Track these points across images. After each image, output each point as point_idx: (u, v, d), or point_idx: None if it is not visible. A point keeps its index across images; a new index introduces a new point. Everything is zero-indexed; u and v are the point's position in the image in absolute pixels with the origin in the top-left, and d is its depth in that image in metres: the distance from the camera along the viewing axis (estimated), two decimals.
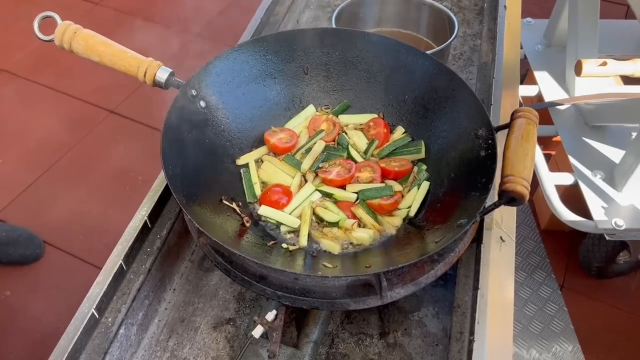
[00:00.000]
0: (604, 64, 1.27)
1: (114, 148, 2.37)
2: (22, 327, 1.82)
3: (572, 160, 1.75)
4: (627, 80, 1.80)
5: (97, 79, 2.59)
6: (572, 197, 1.71)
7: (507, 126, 0.81)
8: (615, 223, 1.58)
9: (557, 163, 1.94)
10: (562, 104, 1.87)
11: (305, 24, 1.47)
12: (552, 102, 1.87)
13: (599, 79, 1.90)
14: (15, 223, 2.07)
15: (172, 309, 0.96)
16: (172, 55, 2.75)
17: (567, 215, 1.64)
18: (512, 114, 0.80)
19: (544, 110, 1.90)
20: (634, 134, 1.75)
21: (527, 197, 0.71)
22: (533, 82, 2.00)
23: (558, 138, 1.82)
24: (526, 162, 0.73)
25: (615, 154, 1.73)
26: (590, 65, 1.28)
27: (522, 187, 0.70)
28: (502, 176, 0.73)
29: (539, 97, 1.99)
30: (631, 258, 1.81)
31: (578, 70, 1.30)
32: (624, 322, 1.80)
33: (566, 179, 1.72)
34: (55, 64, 2.68)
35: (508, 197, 0.72)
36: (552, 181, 1.68)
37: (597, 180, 1.69)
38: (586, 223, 1.62)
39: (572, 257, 1.94)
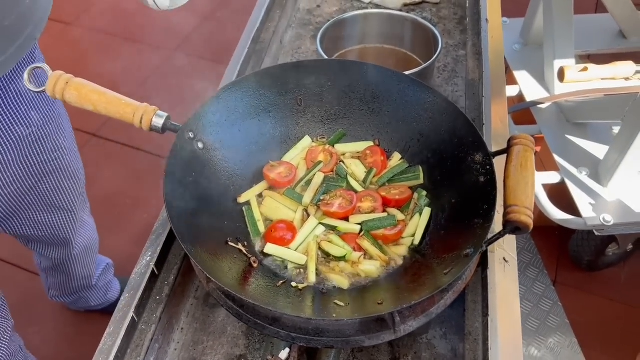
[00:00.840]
0: (585, 69, 1.30)
1: (100, 172, 2.35)
2: None
3: (557, 158, 1.78)
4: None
5: None
6: (560, 194, 1.74)
7: (504, 152, 0.83)
8: (603, 219, 1.62)
9: (542, 162, 1.97)
10: (543, 103, 1.90)
11: (288, 44, 1.47)
12: (533, 101, 1.90)
13: None
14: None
15: (181, 349, 0.96)
16: (152, 72, 2.73)
17: (557, 214, 1.67)
18: (509, 141, 0.82)
19: (526, 110, 1.93)
20: (616, 130, 1.79)
21: (532, 227, 0.73)
22: (513, 81, 2.03)
23: (542, 136, 1.86)
24: (527, 191, 0.75)
25: (599, 150, 1.76)
26: (572, 71, 1.31)
27: (526, 217, 0.72)
28: (506, 206, 0.75)
29: (520, 96, 2.02)
30: (620, 250, 1.85)
31: (561, 77, 1.32)
32: (617, 313, 1.84)
33: (553, 177, 1.75)
34: None
35: (513, 227, 0.73)
36: (539, 181, 1.71)
37: (583, 177, 1.72)
38: (575, 221, 1.65)
39: (563, 252, 1.98)
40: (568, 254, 1.96)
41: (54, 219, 1.41)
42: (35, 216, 1.36)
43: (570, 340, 1.77)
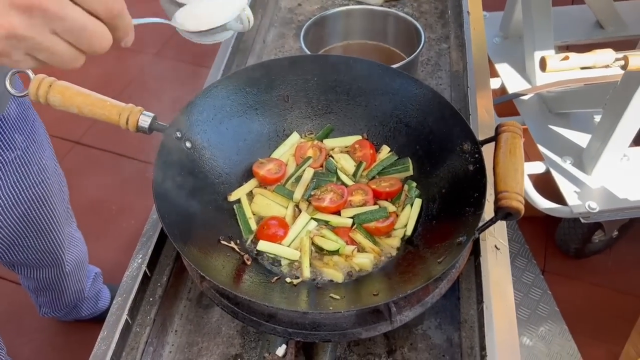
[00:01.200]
0: (566, 58, 1.32)
1: (84, 180, 2.32)
2: None
3: (541, 148, 1.80)
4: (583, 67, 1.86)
5: (57, 110, 2.52)
6: (545, 184, 1.76)
7: (492, 139, 0.84)
8: (588, 206, 1.64)
9: (527, 152, 1.99)
10: (525, 94, 1.93)
11: (271, 43, 1.47)
12: (515, 93, 1.93)
13: None
14: None
15: (176, 351, 0.95)
16: (133, 78, 2.71)
17: (543, 204, 1.69)
18: (497, 128, 0.82)
19: (509, 102, 1.95)
20: (597, 118, 1.81)
21: (523, 211, 0.73)
22: (495, 74, 2.05)
23: (525, 127, 1.88)
24: (517, 176, 0.75)
25: (581, 139, 1.79)
26: (553, 61, 1.32)
27: (518, 202, 0.73)
28: (496, 192, 0.75)
29: (502, 89, 2.04)
30: (606, 236, 1.88)
31: (542, 66, 1.34)
32: (605, 298, 1.87)
33: (538, 167, 1.77)
34: None
35: (504, 213, 0.74)
36: (525, 171, 1.73)
37: (567, 165, 1.75)
38: (562, 209, 1.67)
39: (550, 241, 2.00)
40: (555, 243, 1.98)
41: (44, 242, 1.39)
42: (25, 242, 1.33)
43: (561, 328, 1.79)
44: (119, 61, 2.80)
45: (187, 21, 0.78)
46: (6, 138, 1.12)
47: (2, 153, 1.12)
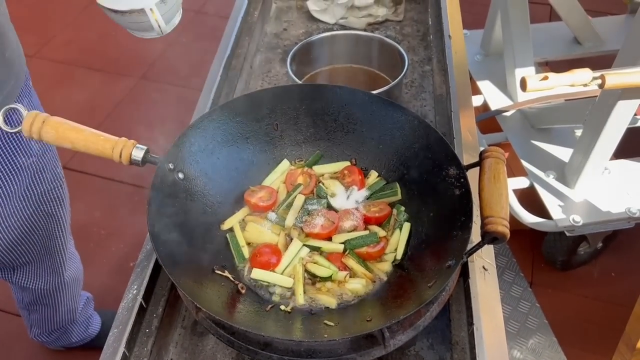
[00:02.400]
0: (546, 78, 1.36)
1: (72, 204, 2.30)
2: None
3: (524, 163, 1.84)
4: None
5: None
6: (529, 198, 1.80)
7: (477, 164, 0.86)
8: (573, 220, 1.68)
9: (510, 168, 2.03)
10: (507, 111, 1.97)
11: (258, 68, 1.49)
12: (498, 110, 1.97)
13: None
14: None
15: None
16: (119, 101, 2.71)
17: (528, 218, 1.73)
18: (481, 154, 0.85)
19: (491, 118, 2.00)
20: (578, 132, 1.86)
21: (509, 236, 0.76)
22: (477, 91, 2.09)
23: (508, 142, 1.92)
24: (502, 201, 0.78)
25: (563, 153, 1.83)
26: (533, 81, 1.36)
27: (503, 227, 0.75)
28: (483, 217, 0.78)
29: (485, 105, 2.08)
30: (590, 248, 1.92)
31: (523, 86, 1.38)
32: (593, 309, 1.90)
33: (522, 182, 1.81)
34: None
35: (490, 238, 0.76)
36: (509, 187, 1.77)
37: (551, 180, 1.79)
38: (547, 223, 1.71)
39: (537, 254, 2.03)
40: (542, 256, 2.01)
41: (50, 246, 1.42)
42: (32, 243, 1.36)
43: (550, 340, 1.81)
44: (104, 85, 2.81)
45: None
46: (23, 144, 1.16)
47: (19, 158, 1.16)
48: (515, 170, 1.88)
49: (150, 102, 2.69)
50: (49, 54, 3.02)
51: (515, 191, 1.80)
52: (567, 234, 1.71)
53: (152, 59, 2.95)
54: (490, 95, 2.06)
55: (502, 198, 0.78)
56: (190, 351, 0.98)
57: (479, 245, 0.78)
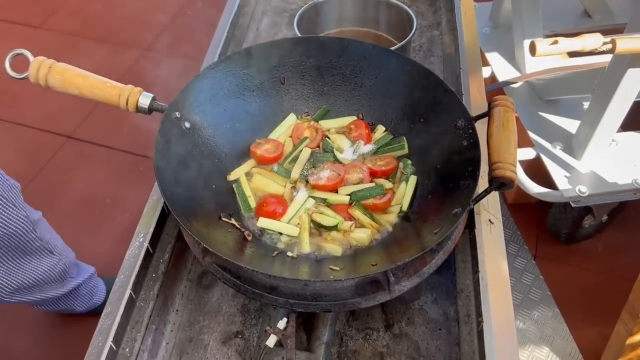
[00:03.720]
0: (556, 42, 1.34)
1: (77, 174, 2.32)
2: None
3: (531, 135, 1.83)
4: (572, 53, 1.90)
5: (49, 104, 2.53)
6: (536, 170, 1.79)
7: (485, 115, 0.86)
8: (579, 190, 1.67)
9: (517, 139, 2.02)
10: (515, 82, 1.96)
11: (264, 31, 1.48)
12: (505, 81, 1.95)
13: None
14: None
15: (177, 330, 0.96)
16: (125, 72, 2.71)
17: (534, 188, 1.72)
18: (490, 103, 0.84)
19: (499, 90, 1.98)
20: (586, 104, 1.85)
21: (516, 181, 0.75)
22: (485, 63, 2.08)
23: (516, 114, 1.90)
24: (510, 148, 0.77)
25: (571, 125, 1.82)
26: (543, 45, 1.34)
27: (511, 172, 0.75)
28: (490, 164, 0.77)
29: (493, 77, 2.07)
30: (595, 221, 1.91)
31: (532, 50, 1.36)
32: (596, 282, 1.90)
33: (528, 153, 1.80)
34: (1, 94, 2.60)
35: (498, 183, 0.76)
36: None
37: (557, 151, 1.77)
38: (552, 193, 1.70)
39: (541, 227, 2.03)
40: (546, 229, 2.01)
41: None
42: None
43: (553, 311, 1.82)
44: (110, 56, 2.80)
45: None
46: None
47: None
48: (522, 141, 1.87)
49: (155, 74, 2.68)
50: (54, 26, 3.01)
51: (521, 162, 1.79)
52: (573, 204, 1.70)
53: (158, 31, 2.94)
54: (498, 66, 2.04)
55: (510, 145, 0.78)
56: (196, 302, 0.99)
57: (486, 192, 0.78)
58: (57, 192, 2.25)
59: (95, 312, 1.85)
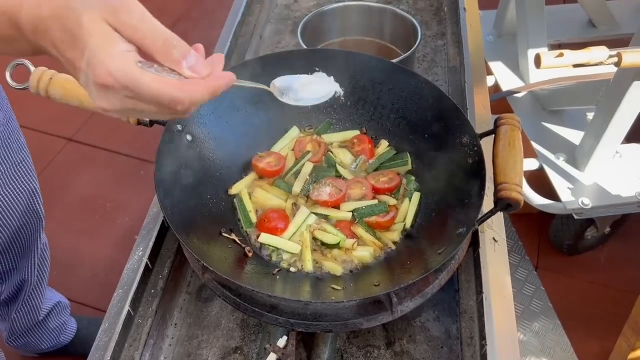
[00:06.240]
0: (561, 54, 1.33)
1: (77, 177, 2.31)
2: None
3: (534, 145, 1.82)
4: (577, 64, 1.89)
5: (49, 107, 2.50)
6: (538, 180, 1.78)
7: (491, 132, 0.85)
8: (582, 202, 1.66)
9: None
10: (519, 92, 1.95)
11: (268, 39, 1.47)
12: (509, 90, 1.95)
13: None
14: None
15: (175, 344, 0.95)
16: None
17: (537, 200, 1.71)
18: (496, 121, 0.83)
19: (502, 99, 1.97)
20: (589, 115, 1.84)
21: (522, 202, 0.74)
22: (489, 72, 2.07)
23: None
24: (516, 168, 0.76)
25: (574, 136, 1.81)
26: (548, 57, 1.33)
27: (517, 194, 0.74)
28: (496, 184, 0.76)
29: (496, 86, 2.06)
30: (598, 233, 1.90)
31: (537, 63, 1.35)
32: (598, 295, 1.89)
33: (531, 164, 1.79)
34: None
35: (504, 204, 0.75)
36: None
37: (561, 162, 1.77)
38: (555, 205, 1.69)
39: (543, 238, 2.01)
40: (548, 240, 2.00)
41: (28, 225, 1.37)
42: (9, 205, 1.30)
43: (554, 323, 1.81)
44: None
45: (284, 91, 0.82)
46: None
47: None
48: (525, 152, 1.86)
49: None
50: None
51: (524, 173, 1.78)
52: (576, 216, 1.69)
53: None
54: (502, 76, 2.03)
55: (516, 165, 0.77)
56: (195, 316, 0.97)
57: (491, 212, 0.77)
58: (57, 195, 2.24)
59: (60, 353, 1.75)
